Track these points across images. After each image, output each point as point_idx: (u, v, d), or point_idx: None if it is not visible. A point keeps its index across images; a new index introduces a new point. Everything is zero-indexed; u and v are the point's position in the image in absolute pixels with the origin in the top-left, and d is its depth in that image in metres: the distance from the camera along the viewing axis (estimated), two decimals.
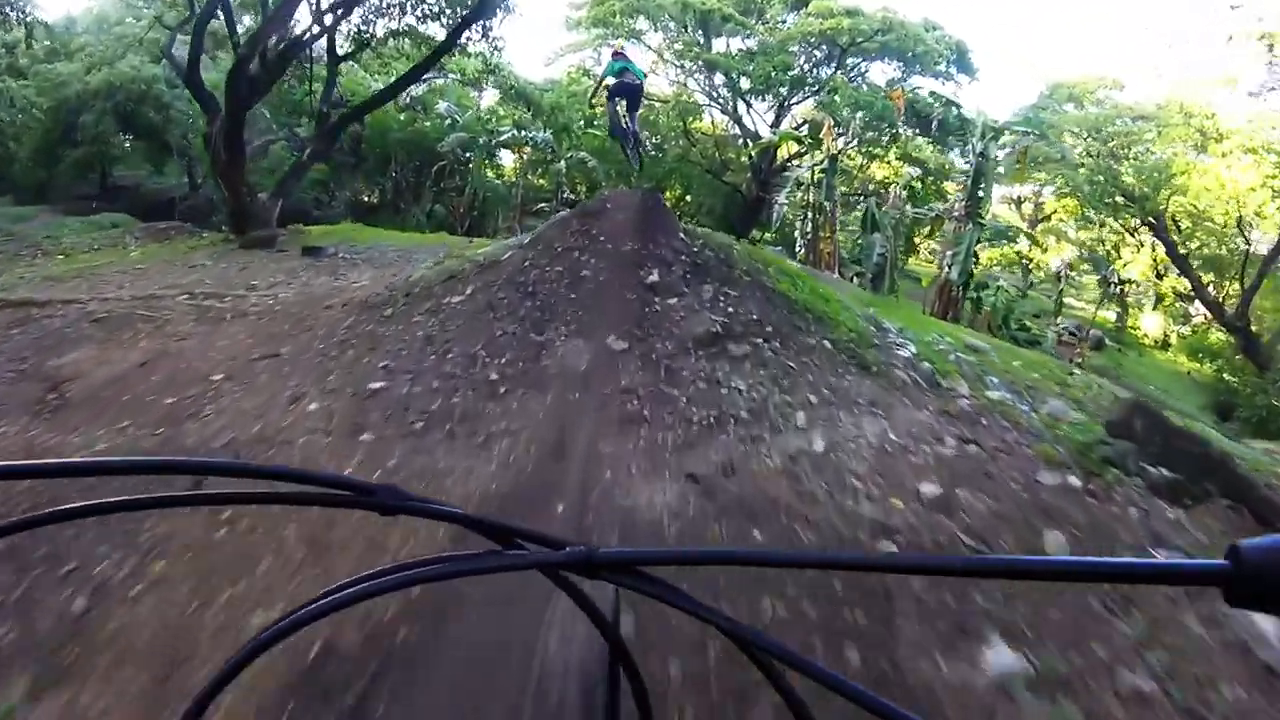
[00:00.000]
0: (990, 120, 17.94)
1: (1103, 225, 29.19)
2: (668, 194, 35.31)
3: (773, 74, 25.09)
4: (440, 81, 25.74)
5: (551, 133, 26.27)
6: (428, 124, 26.40)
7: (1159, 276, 31.23)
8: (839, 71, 26.74)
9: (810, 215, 20.05)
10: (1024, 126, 18.11)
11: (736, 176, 30.96)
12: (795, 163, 29.31)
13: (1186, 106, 25.92)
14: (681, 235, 6.27)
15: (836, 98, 23.71)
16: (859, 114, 22.04)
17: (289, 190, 16.61)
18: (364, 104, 17.53)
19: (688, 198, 32.31)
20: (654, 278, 5.39)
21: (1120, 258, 30.63)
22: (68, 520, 0.55)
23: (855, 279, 20.15)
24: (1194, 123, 25.79)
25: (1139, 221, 27.76)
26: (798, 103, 28.89)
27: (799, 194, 20.42)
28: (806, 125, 25.26)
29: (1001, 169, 18.95)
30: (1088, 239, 31.21)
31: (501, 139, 25.77)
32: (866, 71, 27.99)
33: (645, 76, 10.45)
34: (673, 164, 29.88)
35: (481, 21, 16.98)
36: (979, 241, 18.08)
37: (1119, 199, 26.54)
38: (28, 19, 19.53)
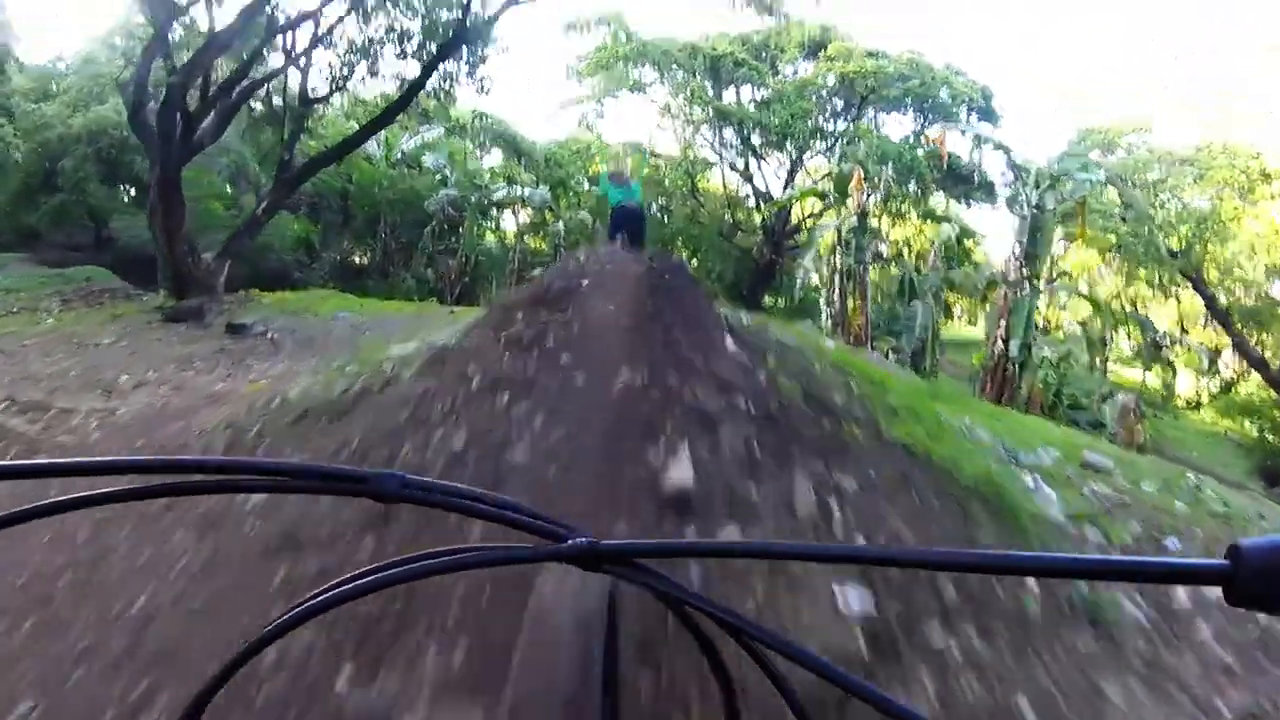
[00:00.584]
0: (1046, 166, 14.95)
1: (1145, 281, 26.39)
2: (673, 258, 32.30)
3: (790, 121, 22.28)
4: (431, 135, 22.98)
5: (548, 188, 23.51)
6: (418, 181, 23.64)
7: (1183, 331, 28.39)
8: (859, 121, 24.07)
9: (838, 281, 17.04)
10: (1086, 173, 15.09)
11: (747, 239, 28.06)
12: (810, 221, 26.53)
13: (1230, 147, 23.40)
14: (729, 341, 3.12)
15: (860, 147, 20.85)
16: (889, 166, 19.14)
17: (239, 248, 13.70)
18: (329, 151, 14.72)
19: (694, 261, 29.47)
20: (682, 471, 2.15)
21: (1146, 312, 27.98)
22: (75, 510, 0.52)
23: (891, 354, 17.04)
24: (1238, 163, 23.24)
25: (1178, 275, 25.02)
26: (811, 158, 26.25)
27: (824, 256, 17.46)
28: (828, 179, 22.48)
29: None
30: (1107, 295, 28.47)
31: (495, 198, 22.99)
32: (884, 124, 25.43)
33: (646, 205, 9.16)
34: (680, 226, 26.95)
35: (465, 60, 14.41)
36: (1036, 309, 15.01)
37: (1161, 251, 23.89)
38: None
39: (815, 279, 17.91)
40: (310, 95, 14.97)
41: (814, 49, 23.77)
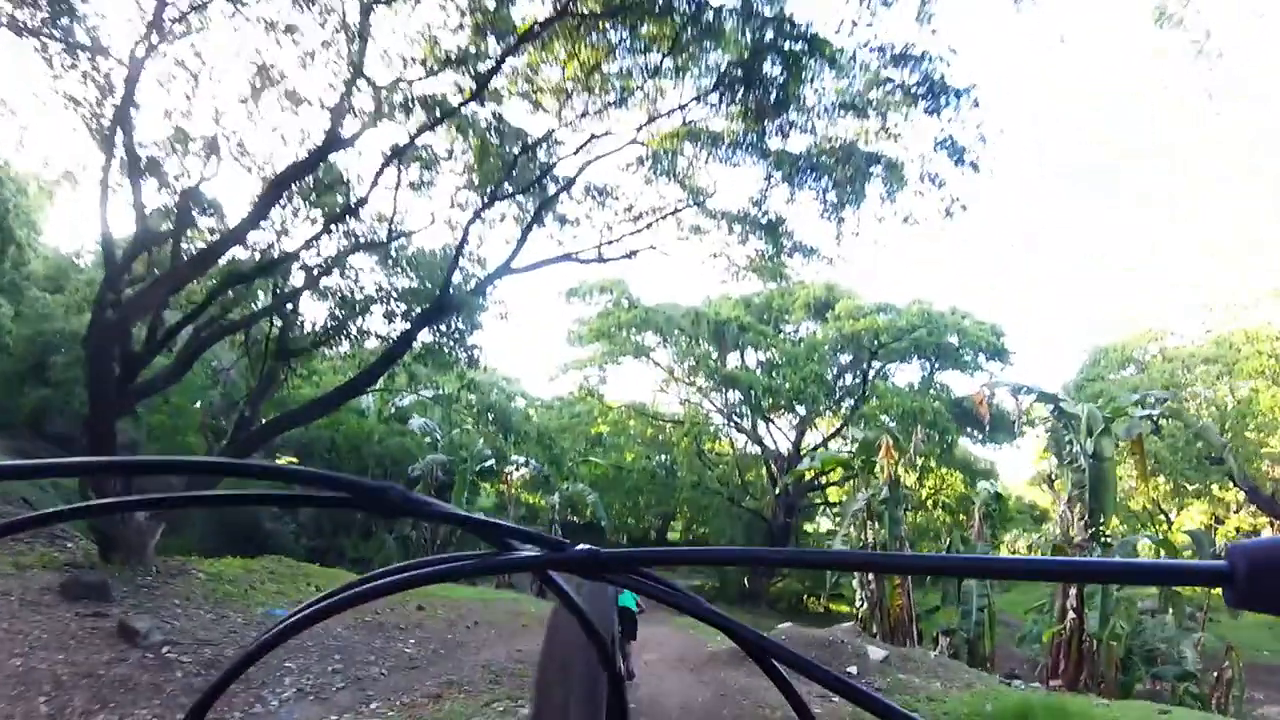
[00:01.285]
0: (1100, 408, 13.17)
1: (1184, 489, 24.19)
2: (676, 521, 30.28)
3: (802, 386, 21.21)
4: (427, 394, 21.81)
5: (543, 464, 22.04)
6: (409, 439, 22.11)
7: (1219, 522, 25.71)
8: (869, 376, 23.11)
9: None
10: (1143, 409, 13.28)
11: (758, 501, 25.99)
12: (825, 478, 24.67)
13: (1252, 334, 22.37)
14: None
15: (875, 405, 19.52)
16: (919, 428, 17.60)
17: (171, 515, 11.58)
18: (295, 413, 13.07)
19: (699, 527, 27.17)
20: None
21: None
22: (74, 519, 0.52)
23: (943, 639, 14.18)
24: (1263, 347, 22.01)
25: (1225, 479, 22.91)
26: (819, 415, 25.02)
27: (853, 531, 15.27)
28: (841, 436, 20.89)
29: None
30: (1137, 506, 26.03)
31: (484, 464, 21.34)
32: (892, 373, 24.62)
33: (641, 610, 9.22)
34: (687, 494, 25.01)
35: (455, 327, 13.46)
36: None
37: (1203, 461, 21.90)
38: None
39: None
40: (291, 347, 13.67)
41: (820, 308, 23.46)
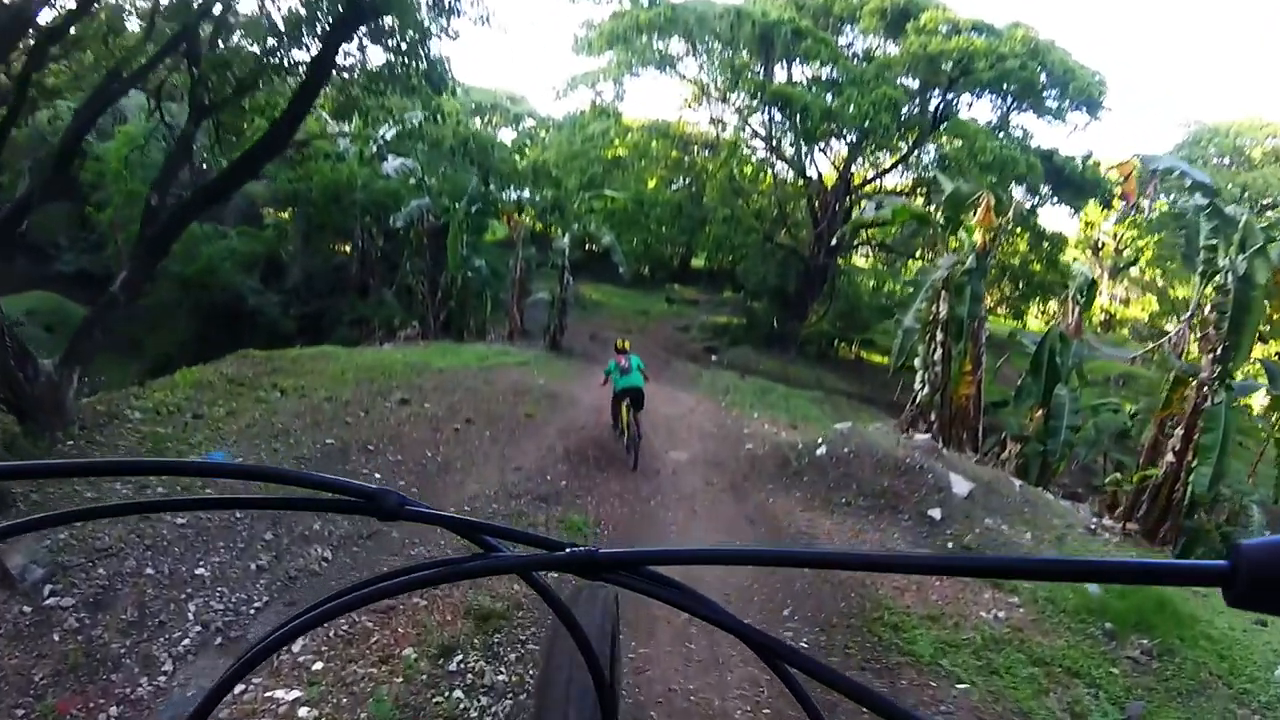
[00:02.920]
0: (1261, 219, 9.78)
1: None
2: (700, 251, 27.41)
3: (873, 113, 16.92)
4: (393, 131, 17.68)
5: (540, 201, 18.73)
6: (395, 182, 18.69)
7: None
8: (937, 108, 18.66)
9: (941, 338, 12.22)
10: None
11: (794, 236, 22.88)
12: (866, 208, 21.47)
13: None
14: None
15: (958, 146, 15.61)
16: (1005, 176, 14.00)
17: (84, 352, 9.11)
18: (204, 190, 9.86)
19: (726, 258, 24.34)
20: None
21: None
22: (76, 521, 0.52)
23: (1012, 446, 12.24)
24: None
25: None
26: (880, 148, 20.86)
27: (925, 305, 12.55)
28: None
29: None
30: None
31: (476, 206, 18.13)
32: (958, 109, 19.88)
33: (646, 378, 9.01)
34: (718, 228, 21.68)
35: (402, 39, 9.62)
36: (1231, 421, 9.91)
37: None
38: None
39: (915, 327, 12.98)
40: (211, 100, 10.14)
41: (897, 18, 18.12)
